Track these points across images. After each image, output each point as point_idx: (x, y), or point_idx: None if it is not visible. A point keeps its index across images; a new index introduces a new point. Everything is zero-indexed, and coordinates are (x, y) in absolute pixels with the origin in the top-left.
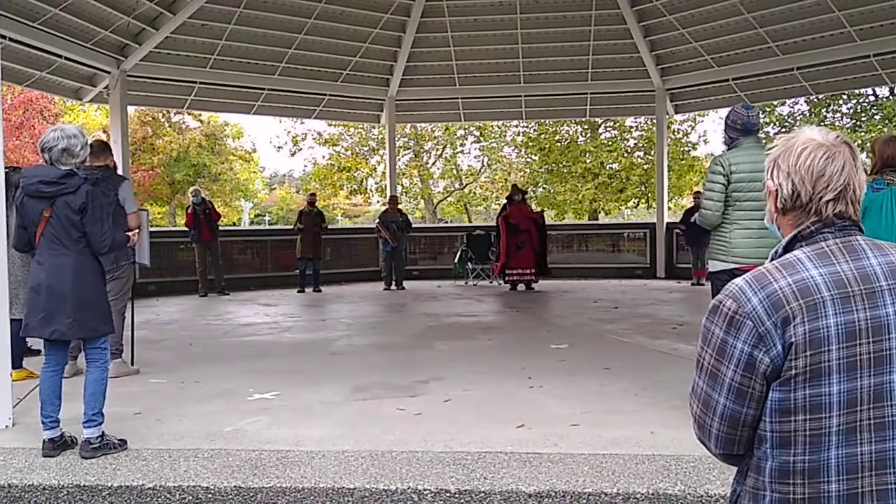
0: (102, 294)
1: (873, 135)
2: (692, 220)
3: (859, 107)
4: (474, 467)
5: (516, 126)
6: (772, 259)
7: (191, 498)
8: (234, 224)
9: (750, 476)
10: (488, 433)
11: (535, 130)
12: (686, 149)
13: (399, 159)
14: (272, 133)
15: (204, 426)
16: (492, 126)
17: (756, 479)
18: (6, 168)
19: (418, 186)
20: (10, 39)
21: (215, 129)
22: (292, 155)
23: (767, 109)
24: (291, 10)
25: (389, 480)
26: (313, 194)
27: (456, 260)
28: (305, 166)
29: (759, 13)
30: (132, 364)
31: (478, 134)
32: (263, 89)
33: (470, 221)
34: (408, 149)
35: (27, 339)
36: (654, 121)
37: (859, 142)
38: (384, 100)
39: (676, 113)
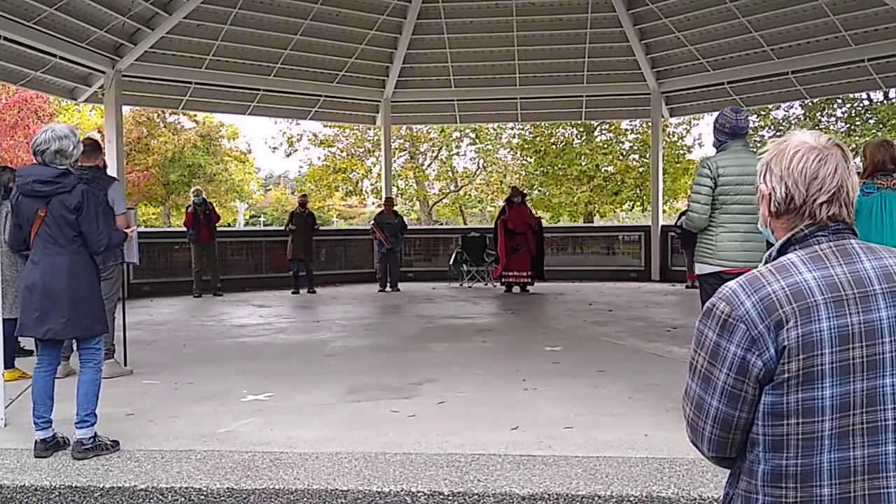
0: (97, 293)
1: (868, 139)
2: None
3: (854, 111)
4: (468, 469)
5: (512, 128)
6: (765, 262)
7: (183, 499)
8: (229, 225)
9: (742, 479)
10: (482, 435)
11: (530, 133)
12: (681, 152)
13: (394, 161)
14: (267, 134)
15: (197, 427)
16: (487, 128)
17: (749, 483)
18: None
19: (413, 188)
20: (5, 38)
21: (210, 130)
22: (287, 156)
23: (762, 113)
24: (287, 11)
25: (383, 482)
26: (304, 195)
27: (451, 262)
28: (301, 167)
29: (755, 17)
30: (125, 365)
31: (473, 136)
32: (259, 90)
33: (465, 223)
34: (403, 150)
35: (19, 339)
36: (650, 124)
37: (853, 146)
38: (380, 101)
39: (672, 116)
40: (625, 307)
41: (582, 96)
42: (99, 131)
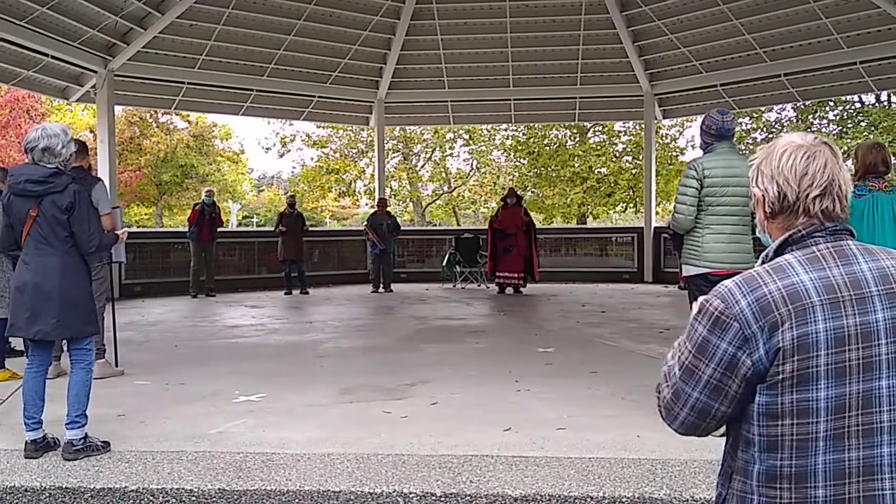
0: (88, 294)
1: (859, 141)
2: None
3: (846, 113)
4: (460, 470)
5: (505, 129)
6: (762, 263)
7: (174, 500)
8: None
9: (737, 480)
10: (475, 436)
11: (524, 134)
12: (674, 154)
13: (388, 162)
14: (260, 134)
15: (188, 428)
16: (481, 129)
17: (743, 483)
18: None
19: (407, 189)
20: None
21: (203, 130)
22: (281, 157)
23: (755, 115)
24: (280, 12)
25: (375, 483)
26: (293, 196)
27: (444, 263)
28: (294, 168)
29: (748, 20)
30: (116, 365)
31: (467, 137)
32: (252, 90)
33: (458, 224)
34: (397, 151)
35: (10, 340)
36: (643, 125)
37: (845, 148)
38: (373, 102)
39: (665, 118)
40: (618, 308)
41: (575, 98)
42: (91, 131)
